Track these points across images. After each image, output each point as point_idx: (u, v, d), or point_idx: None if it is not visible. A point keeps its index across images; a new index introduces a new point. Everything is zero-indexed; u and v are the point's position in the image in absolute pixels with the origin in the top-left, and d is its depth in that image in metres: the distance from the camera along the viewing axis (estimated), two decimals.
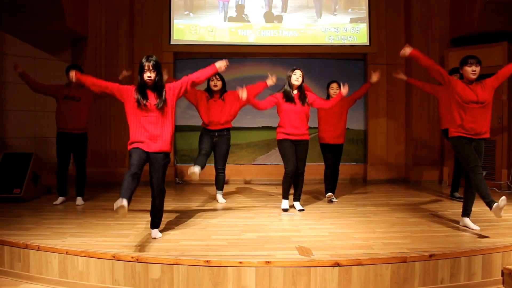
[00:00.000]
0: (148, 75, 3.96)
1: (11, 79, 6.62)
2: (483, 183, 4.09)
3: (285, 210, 5.17)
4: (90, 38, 7.32)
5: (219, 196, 5.84)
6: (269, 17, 7.86)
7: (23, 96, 6.74)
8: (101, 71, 7.38)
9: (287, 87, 5.18)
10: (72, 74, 4.44)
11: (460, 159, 4.34)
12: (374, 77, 5.78)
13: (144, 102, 3.92)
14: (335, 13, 7.88)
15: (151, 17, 7.72)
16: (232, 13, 7.82)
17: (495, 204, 3.90)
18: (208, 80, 5.67)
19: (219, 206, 5.62)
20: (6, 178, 5.82)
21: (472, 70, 4.22)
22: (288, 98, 5.13)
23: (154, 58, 4.05)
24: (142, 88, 4.00)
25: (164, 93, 4.02)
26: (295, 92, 5.16)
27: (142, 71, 3.98)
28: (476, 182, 4.09)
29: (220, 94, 5.73)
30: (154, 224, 4.11)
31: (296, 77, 5.13)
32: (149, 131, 3.96)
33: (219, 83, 5.69)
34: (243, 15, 7.83)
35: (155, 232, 4.07)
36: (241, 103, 5.66)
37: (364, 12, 7.90)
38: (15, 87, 6.68)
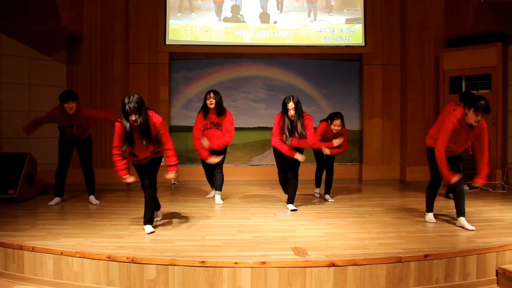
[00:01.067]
0: (133, 119, 4.03)
1: (6, 79, 6.59)
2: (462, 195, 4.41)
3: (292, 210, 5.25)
4: (85, 38, 7.30)
5: (217, 197, 5.84)
6: (265, 17, 7.86)
7: (18, 96, 6.71)
8: (96, 72, 7.36)
9: (285, 119, 5.12)
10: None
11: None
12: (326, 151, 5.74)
13: (132, 150, 4.26)
14: (330, 13, 7.90)
15: (146, 17, 7.70)
16: (228, 13, 7.81)
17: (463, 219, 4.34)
18: (204, 98, 5.71)
19: (214, 206, 5.61)
20: (1, 178, 5.80)
21: (476, 120, 4.11)
22: (283, 131, 5.13)
23: (134, 99, 4.02)
24: (128, 135, 4.13)
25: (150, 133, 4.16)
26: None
27: (126, 114, 4.03)
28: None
29: (217, 113, 5.71)
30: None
31: (291, 114, 5.05)
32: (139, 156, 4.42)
33: (213, 101, 5.63)
34: (239, 16, 7.83)
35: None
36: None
37: (359, 12, 7.92)
38: (9, 87, 6.65)
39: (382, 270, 3.39)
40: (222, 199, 5.87)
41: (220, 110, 5.69)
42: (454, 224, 4.48)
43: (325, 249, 3.64)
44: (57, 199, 5.65)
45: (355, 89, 8.10)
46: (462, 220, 4.34)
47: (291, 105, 5.03)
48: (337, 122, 5.64)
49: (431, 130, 4.72)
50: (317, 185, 6.21)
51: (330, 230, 4.32)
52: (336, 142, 5.65)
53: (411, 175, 7.60)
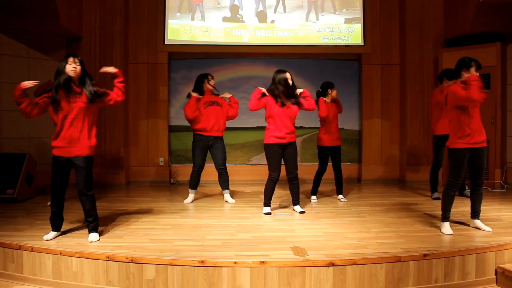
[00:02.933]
0: None
1: (5, 79, 6.59)
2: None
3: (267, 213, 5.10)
4: (84, 38, 7.29)
5: (228, 196, 5.88)
6: (264, 17, 7.86)
7: None
8: (95, 71, 7.34)
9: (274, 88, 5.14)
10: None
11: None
12: None
13: None
14: (330, 13, 7.89)
15: (145, 17, 7.70)
16: (227, 13, 7.81)
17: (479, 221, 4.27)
18: (202, 80, 5.76)
19: (213, 206, 5.61)
20: (0, 178, 5.79)
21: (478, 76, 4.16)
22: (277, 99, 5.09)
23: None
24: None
25: None
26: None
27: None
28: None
29: (213, 93, 5.85)
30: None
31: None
32: None
33: (213, 82, 5.82)
34: (238, 15, 7.82)
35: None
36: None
37: (358, 12, 7.92)
38: (8, 87, 6.62)
39: (382, 269, 3.39)
40: (221, 198, 5.86)
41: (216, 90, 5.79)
42: (453, 223, 4.48)
43: (325, 249, 3.64)
44: None
45: (354, 89, 8.10)
46: (478, 222, 4.31)
47: (287, 74, 5.07)
48: (334, 92, 5.84)
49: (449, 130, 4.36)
50: (314, 192, 5.98)
51: (330, 230, 4.32)
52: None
53: (410, 175, 7.60)
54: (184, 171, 7.74)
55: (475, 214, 4.33)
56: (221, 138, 5.83)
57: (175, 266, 3.36)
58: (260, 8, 7.85)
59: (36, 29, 6.71)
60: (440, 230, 4.21)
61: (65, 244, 3.78)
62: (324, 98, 5.74)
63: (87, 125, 3.98)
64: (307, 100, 5.09)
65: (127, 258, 3.43)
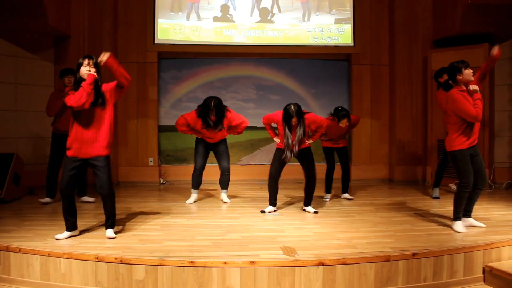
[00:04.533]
0: None
1: None
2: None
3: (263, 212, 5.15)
4: (73, 37, 7.22)
5: (225, 196, 5.89)
6: (254, 17, 7.85)
7: (4, 95, 6.64)
8: None
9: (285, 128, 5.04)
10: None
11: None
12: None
13: None
14: (320, 13, 7.92)
15: (135, 16, 7.66)
16: (217, 13, 7.80)
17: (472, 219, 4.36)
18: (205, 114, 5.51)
19: (203, 206, 5.60)
20: None
21: (471, 72, 4.25)
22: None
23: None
24: None
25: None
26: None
27: None
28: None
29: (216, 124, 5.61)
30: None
31: (293, 122, 4.98)
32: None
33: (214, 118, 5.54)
34: (228, 15, 7.81)
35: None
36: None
37: (348, 13, 7.95)
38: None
39: (371, 269, 3.41)
40: (210, 198, 5.85)
41: (220, 119, 5.58)
42: (442, 223, 4.52)
43: (314, 249, 3.65)
44: (48, 199, 5.62)
45: (344, 89, 8.13)
46: (471, 220, 4.36)
47: (294, 120, 4.96)
48: (345, 121, 5.62)
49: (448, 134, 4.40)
50: (328, 190, 5.94)
51: (319, 230, 4.33)
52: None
53: (400, 175, 7.65)
54: (174, 171, 7.72)
55: (469, 212, 4.38)
56: (223, 140, 5.83)
57: (164, 266, 3.35)
58: (253, 8, 7.84)
59: (24, 28, 6.64)
60: (454, 229, 4.23)
61: (53, 245, 3.75)
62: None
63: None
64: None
65: (116, 258, 3.41)
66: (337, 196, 6.05)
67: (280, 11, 7.86)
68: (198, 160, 5.76)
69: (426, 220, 4.69)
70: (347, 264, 3.38)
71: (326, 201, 5.85)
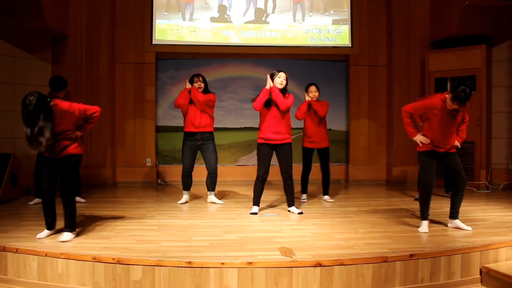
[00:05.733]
0: None
1: None
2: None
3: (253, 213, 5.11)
4: (70, 37, 7.22)
5: (214, 197, 5.86)
6: (252, 17, 7.86)
7: (1, 95, 6.62)
8: (82, 71, 7.30)
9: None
10: None
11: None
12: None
13: None
14: (317, 14, 7.92)
15: (132, 17, 7.65)
16: (215, 13, 7.80)
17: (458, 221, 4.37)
18: (191, 81, 5.71)
19: (200, 207, 5.60)
20: None
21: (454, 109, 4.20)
22: (268, 102, 5.01)
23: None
24: None
25: None
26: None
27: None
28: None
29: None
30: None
31: (281, 81, 4.99)
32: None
33: (202, 85, 5.70)
34: (226, 16, 7.81)
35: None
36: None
37: (346, 13, 7.96)
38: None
39: (368, 270, 3.41)
40: (207, 198, 5.85)
41: (206, 92, 5.72)
42: (439, 224, 4.52)
43: (312, 249, 3.65)
44: (37, 200, 5.58)
45: (342, 90, 8.14)
46: (458, 222, 4.37)
47: (283, 75, 4.97)
48: (313, 88, 5.74)
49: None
50: (304, 191, 6.00)
51: (317, 231, 4.33)
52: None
53: (397, 175, 7.67)
54: (171, 172, 7.71)
55: (454, 214, 4.40)
56: (210, 139, 5.77)
57: (162, 267, 3.34)
58: (249, 8, 7.85)
59: (22, 28, 6.62)
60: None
61: (50, 245, 3.74)
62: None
63: None
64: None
65: (113, 259, 3.40)
66: (313, 197, 6.03)
67: (273, 11, 7.86)
68: (184, 161, 5.75)
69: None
70: (345, 265, 3.38)
71: (304, 201, 5.86)
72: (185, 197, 5.83)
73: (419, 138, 4.32)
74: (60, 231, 4.09)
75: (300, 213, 5.10)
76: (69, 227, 4.02)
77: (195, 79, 5.72)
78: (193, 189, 6.55)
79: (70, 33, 7.21)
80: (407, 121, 4.37)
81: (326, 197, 6.00)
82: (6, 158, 5.91)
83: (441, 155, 4.33)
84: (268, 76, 5.01)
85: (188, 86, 5.70)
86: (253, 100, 5.05)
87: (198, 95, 5.59)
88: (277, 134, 4.98)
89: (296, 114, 5.72)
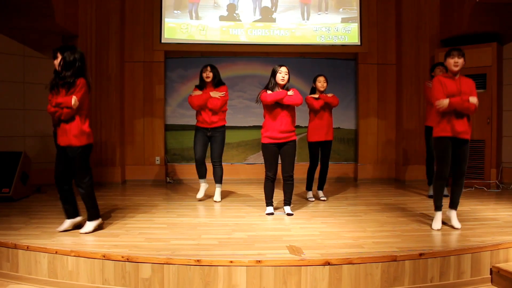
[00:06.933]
0: None
1: (0, 77, 6.57)
2: (441, 190, 4.38)
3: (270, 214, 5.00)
4: (80, 36, 7.26)
5: (217, 192, 5.86)
6: (261, 16, 7.85)
7: (12, 94, 6.68)
8: (91, 70, 7.33)
9: (271, 86, 4.94)
10: None
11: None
12: None
13: None
14: (326, 12, 7.90)
15: (142, 16, 7.68)
16: (224, 12, 7.81)
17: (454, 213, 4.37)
18: (201, 72, 5.76)
19: (209, 205, 5.61)
20: None
21: (454, 62, 4.25)
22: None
23: None
24: None
25: None
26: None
27: None
28: (435, 186, 4.41)
29: (214, 86, 5.77)
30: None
31: (282, 76, 4.87)
32: None
33: (210, 74, 5.71)
34: (235, 14, 7.82)
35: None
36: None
37: (355, 11, 7.93)
38: (3, 85, 6.62)
39: (377, 269, 3.40)
40: (212, 197, 5.85)
41: (218, 83, 5.78)
42: (449, 223, 4.50)
43: (320, 248, 3.65)
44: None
45: (351, 88, 8.11)
46: (453, 214, 4.36)
47: (284, 69, 4.87)
48: (321, 78, 5.74)
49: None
50: (309, 187, 5.95)
51: (325, 229, 4.32)
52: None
53: (406, 174, 7.62)
54: (180, 170, 7.74)
55: (453, 204, 4.42)
56: (219, 128, 5.77)
57: (171, 265, 3.36)
58: (258, 6, 7.85)
59: (32, 27, 6.68)
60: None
61: (60, 243, 3.77)
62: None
63: None
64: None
65: (123, 257, 3.42)
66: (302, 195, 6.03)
67: (277, 10, 7.85)
68: (196, 150, 5.75)
69: (432, 220, 4.65)
70: (354, 263, 3.37)
71: (312, 200, 5.81)
72: (203, 186, 5.84)
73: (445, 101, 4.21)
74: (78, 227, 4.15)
75: (290, 214, 4.96)
76: (88, 218, 4.18)
77: (203, 69, 5.72)
78: (197, 187, 6.54)
79: (80, 32, 7.25)
80: (451, 104, 4.17)
81: (320, 192, 5.94)
82: (17, 156, 5.97)
83: (458, 142, 4.26)
84: (291, 91, 4.87)
85: (198, 92, 5.70)
86: (257, 100, 5.00)
87: (215, 105, 5.65)
88: (284, 133, 4.90)
89: (313, 104, 5.67)
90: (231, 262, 3.33)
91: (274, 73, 4.92)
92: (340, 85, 8.03)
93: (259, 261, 3.33)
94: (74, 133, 4.04)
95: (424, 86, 6.09)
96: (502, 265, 3.63)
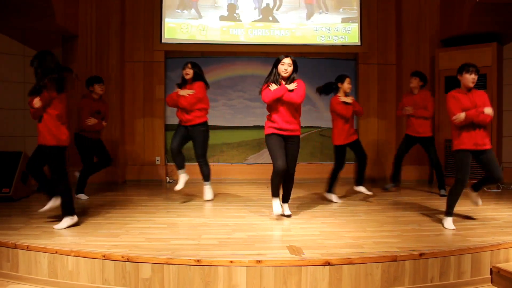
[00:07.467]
0: None
1: (0, 77, 6.57)
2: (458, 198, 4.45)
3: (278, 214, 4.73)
4: (80, 36, 7.27)
5: (207, 190, 5.83)
6: (261, 16, 7.85)
7: (12, 94, 6.68)
8: (92, 70, 7.33)
9: (273, 78, 4.63)
10: None
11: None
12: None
13: None
14: (326, 12, 7.90)
15: (142, 16, 7.69)
16: (224, 12, 7.81)
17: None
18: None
19: (210, 205, 5.61)
20: None
21: (472, 78, 4.34)
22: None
23: None
24: None
25: None
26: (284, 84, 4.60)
27: None
28: (452, 191, 4.46)
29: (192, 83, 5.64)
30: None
31: (284, 68, 4.55)
32: None
33: (190, 72, 5.59)
34: (235, 14, 7.82)
35: None
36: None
37: (355, 12, 7.93)
38: (3, 85, 6.62)
39: (377, 269, 3.40)
40: (217, 197, 5.84)
41: (194, 80, 5.60)
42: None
43: (321, 248, 3.65)
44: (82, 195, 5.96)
45: (351, 88, 8.09)
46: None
47: (287, 60, 4.55)
48: (349, 79, 5.73)
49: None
50: (332, 189, 5.81)
51: (326, 229, 4.32)
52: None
53: (406, 174, 7.60)
54: None
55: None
56: (198, 125, 5.62)
57: (171, 265, 3.36)
58: (259, 7, 7.85)
59: (32, 27, 6.68)
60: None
61: (61, 243, 3.77)
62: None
63: None
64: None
65: (123, 257, 3.42)
66: (320, 195, 6.02)
67: (279, 9, 7.84)
68: (172, 140, 5.67)
69: (433, 220, 4.66)
70: (354, 263, 3.37)
71: (339, 203, 5.73)
72: (182, 177, 5.71)
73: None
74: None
75: (289, 215, 4.83)
76: (62, 214, 4.35)
77: (184, 67, 5.62)
78: (197, 187, 6.53)
79: (80, 32, 7.26)
80: (467, 117, 4.28)
81: (361, 187, 5.83)
82: (17, 156, 5.96)
83: (479, 152, 4.40)
84: (290, 85, 4.56)
85: (176, 90, 5.62)
86: (260, 91, 4.71)
87: (183, 101, 5.48)
88: (290, 124, 4.59)
89: (343, 114, 5.62)
90: (231, 262, 3.33)
91: (276, 64, 4.60)
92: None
93: (259, 261, 3.33)
94: (44, 133, 4.32)
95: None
96: (502, 265, 3.63)
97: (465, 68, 4.36)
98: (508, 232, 4.11)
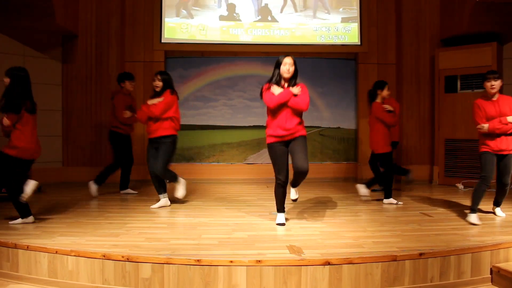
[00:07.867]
0: None
1: (0, 77, 6.56)
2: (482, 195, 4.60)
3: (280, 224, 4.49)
4: (80, 36, 7.27)
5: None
6: (261, 16, 7.85)
7: None
8: (92, 70, 7.35)
9: (275, 79, 4.47)
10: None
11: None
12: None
13: None
14: (326, 12, 7.90)
15: (142, 15, 7.69)
16: (224, 12, 7.81)
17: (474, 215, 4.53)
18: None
19: (210, 205, 5.61)
20: None
21: (491, 85, 4.46)
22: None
23: None
24: None
25: None
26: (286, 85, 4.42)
27: None
28: (477, 188, 4.62)
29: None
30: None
31: (287, 68, 4.39)
32: None
33: (159, 84, 5.31)
34: (235, 14, 7.82)
35: None
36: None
37: (355, 11, 7.93)
38: (3, 85, 6.60)
39: (377, 268, 3.40)
40: (217, 197, 5.82)
41: (163, 89, 5.30)
42: (449, 222, 4.50)
43: (321, 248, 3.65)
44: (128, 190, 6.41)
45: (351, 88, 8.11)
46: (498, 210, 4.89)
47: (289, 60, 4.39)
48: (387, 86, 5.74)
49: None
50: (388, 193, 5.65)
51: (326, 229, 4.32)
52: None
53: None
54: (180, 170, 7.71)
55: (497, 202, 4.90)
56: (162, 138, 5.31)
57: (171, 265, 3.36)
58: (259, 7, 7.85)
59: (32, 27, 6.68)
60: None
61: (61, 242, 3.77)
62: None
63: None
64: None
65: (123, 257, 3.42)
66: (320, 195, 6.01)
67: (277, 10, 7.85)
68: (148, 163, 5.45)
69: (433, 220, 4.67)
70: (354, 263, 3.37)
71: (400, 204, 5.56)
72: (163, 201, 5.41)
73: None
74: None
75: (295, 200, 4.62)
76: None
77: (154, 78, 5.32)
78: (200, 187, 6.56)
79: (80, 32, 7.26)
80: (489, 129, 4.47)
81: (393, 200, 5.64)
82: None
83: (500, 156, 4.57)
84: (294, 89, 4.36)
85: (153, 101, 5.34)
86: (261, 93, 4.54)
87: (154, 110, 5.21)
88: (292, 129, 4.30)
89: (391, 122, 5.57)
90: (231, 262, 3.33)
91: (278, 65, 4.44)
92: (340, 85, 8.04)
93: (259, 261, 3.33)
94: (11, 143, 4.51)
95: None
96: (502, 265, 3.63)
97: (485, 77, 4.53)
98: (508, 232, 4.11)
